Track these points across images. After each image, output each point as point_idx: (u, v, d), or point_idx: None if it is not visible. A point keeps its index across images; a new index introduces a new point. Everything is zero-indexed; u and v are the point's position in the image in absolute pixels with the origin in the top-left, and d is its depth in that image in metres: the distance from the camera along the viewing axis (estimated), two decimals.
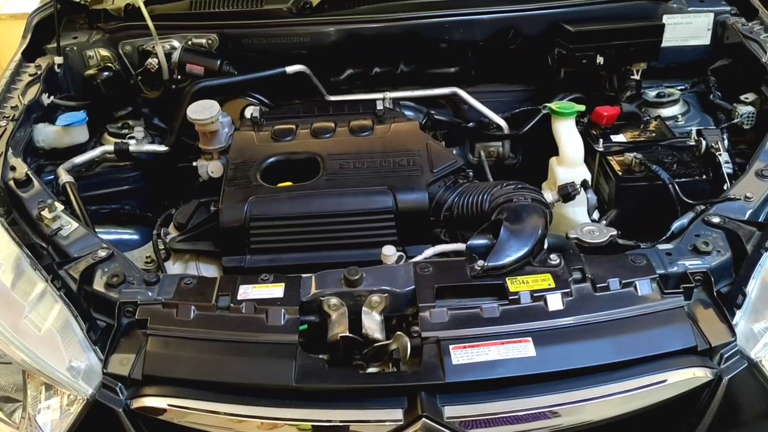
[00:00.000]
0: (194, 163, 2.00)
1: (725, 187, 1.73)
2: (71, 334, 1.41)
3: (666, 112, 2.09)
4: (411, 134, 1.86)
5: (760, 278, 1.42)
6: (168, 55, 2.11)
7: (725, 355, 1.34)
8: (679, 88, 2.22)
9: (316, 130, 1.89)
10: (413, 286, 1.43)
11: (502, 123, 2.19)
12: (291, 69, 2.11)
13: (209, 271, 1.71)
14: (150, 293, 1.46)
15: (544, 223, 1.51)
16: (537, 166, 2.21)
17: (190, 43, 2.15)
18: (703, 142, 1.83)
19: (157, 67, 2.09)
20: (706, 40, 2.20)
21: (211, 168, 1.99)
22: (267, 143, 1.86)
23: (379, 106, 1.97)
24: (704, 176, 1.72)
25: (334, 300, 1.42)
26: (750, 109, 1.95)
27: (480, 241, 1.51)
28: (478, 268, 1.44)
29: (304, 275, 1.48)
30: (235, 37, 2.15)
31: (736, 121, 1.94)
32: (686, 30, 2.18)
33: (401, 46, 2.18)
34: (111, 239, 1.82)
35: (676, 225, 1.61)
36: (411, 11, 2.13)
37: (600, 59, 2.07)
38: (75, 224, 1.62)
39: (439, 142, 1.90)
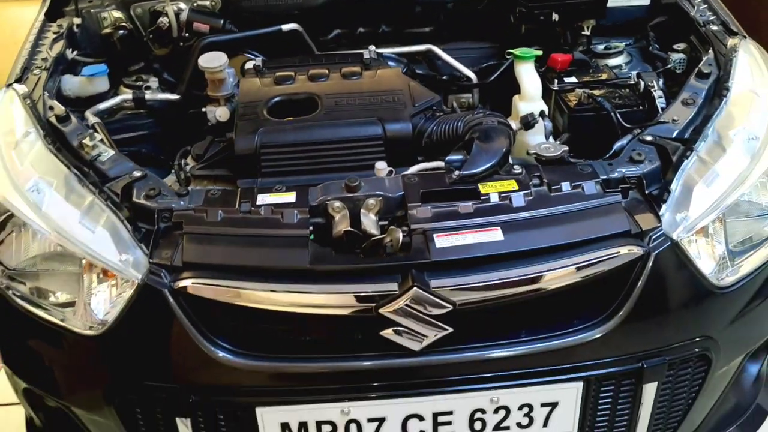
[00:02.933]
0: (203, 109, 2.28)
1: (657, 116, 2.07)
2: (119, 235, 1.69)
3: (612, 62, 2.42)
4: (395, 77, 2.16)
5: (682, 180, 1.75)
6: (176, 15, 2.38)
7: (653, 237, 1.67)
8: (624, 43, 2.55)
9: (312, 75, 2.18)
10: (402, 192, 1.74)
11: (472, 75, 2.49)
12: (286, 27, 2.40)
13: None
14: (182, 202, 1.74)
15: (509, 140, 1.83)
16: (501, 111, 2.54)
17: (195, 5, 2.43)
18: (642, 82, 2.17)
19: (167, 25, 2.37)
20: (646, 0, 2.54)
21: (218, 113, 2.25)
22: (270, 87, 2.14)
23: (366, 55, 2.27)
24: (641, 107, 2.05)
25: (337, 203, 1.71)
26: (681, 56, 2.29)
27: (456, 156, 1.82)
28: (455, 177, 1.75)
29: (311, 186, 1.78)
30: None
31: (669, 66, 2.28)
32: None
33: (382, 8, 2.48)
34: None
35: (617, 145, 1.93)
36: None
37: (555, 16, 2.39)
38: (111, 151, 1.89)
39: (417, 82, 2.20)
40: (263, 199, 1.74)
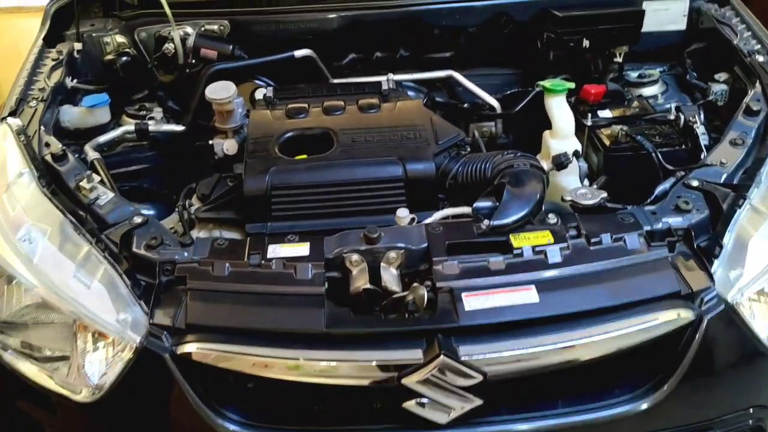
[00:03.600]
0: (210, 142, 2.14)
1: (702, 156, 1.91)
2: (117, 291, 1.55)
3: (647, 91, 2.26)
4: (415, 110, 2.01)
5: (735, 232, 1.59)
6: (183, 41, 2.24)
7: (705, 299, 1.51)
8: (658, 70, 2.40)
9: (327, 108, 2.03)
10: (426, 244, 1.59)
11: (495, 103, 2.35)
12: (298, 53, 2.25)
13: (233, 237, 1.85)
14: (186, 254, 1.60)
15: (542, 186, 1.68)
16: (527, 144, 2.39)
17: (203, 29, 2.28)
18: (682, 117, 2.01)
19: (173, 51, 2.22)
20: (682, 25, 2.38)
21: (226, 146, 2.12)
22: (282, 120, 2.00)
23: (384, 86, 2.12)
24: (683, 146, 1.90)
25: (355, 256, 1.57)
26: (723, 87, 2.13)
27: (485, 204, 1.67)
28: (484, 227, 1.60)
29: (326, 236, 1.63)
30: (246, 23, 2.29)
31: (710, 98, 2.12)
32: (664, 16, 2.36)
33: (400, 32, 2.33)
34: None
35: (659, 189, 1.78)
36: None
37: (586, 42, 2.23)
38: (111, 194, 1.75)
39: (440, 117, 2.05)
40: (274, 250, 1.59)
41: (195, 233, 1.87)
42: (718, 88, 2.13)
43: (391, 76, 2.22)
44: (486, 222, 1.61)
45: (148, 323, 1.50)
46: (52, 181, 1.78)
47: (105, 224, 1.69)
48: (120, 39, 2.32)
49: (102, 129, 2.16)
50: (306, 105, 2.05)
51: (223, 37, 2.29)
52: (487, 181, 1.77)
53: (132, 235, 1.65)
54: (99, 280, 1.56)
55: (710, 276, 1.53)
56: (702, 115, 2.04)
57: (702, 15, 2.34)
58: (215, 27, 2.30)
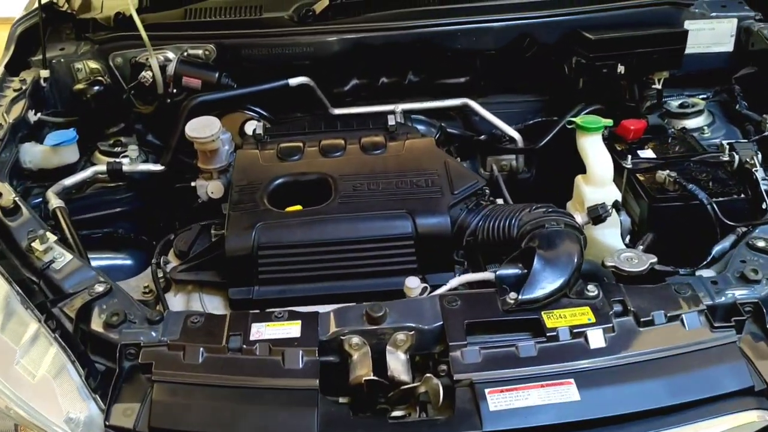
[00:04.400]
0: (193, 183, 1.87)
1: (764, 207, 1.63)
2: (68, 381, 1.28)
3: (691, 123, 1.99)
4: (427, 152, 1.75)
5: None
6: (163, 68, 1.98)
7: None
8: (701, 97, 2.12)
9: (324, 148, 1.77)
10: (441, 322, 1.32)
11: (516, 135, 2.08)
12: (294, 81, 1.99)
13: (214, 303, 1.58)
14: (154, 333, 1.34)
15: (580, 250, 1.40)
16: (551, 180, 2.11)
17: (185, 54, 2.02)
18: (736, 157, 1.73)
19: (151, 80, 1.96)
20: (729, 46, 2.11)
21: (210, 188, 1.86)
22: (273, 163, 1.74)
23: (391, 121, 1.85)
24: (742, 195, 1.62)
25: (355, 339, 1.30)
26: None
27: (510, 271, 1.40)
28: (511, 302, 1.33)
29: (321, 311, 1.37)
30: (234, 47, 2.02)
31: (767, 134, 1.84)
32: (709, 36, 2.09)
33: (410, 56, 2.06)
34: (103, 265, 1.70)
35: (716, 249, 1.51)
36: (421, 18, 2.01)
37: (621, 68, 1.96)
38: (69, 256, 1.49)
39: (455, 159, 1.78)
40: (259, 331, 1.33)
41: (171, 296, 1.61)
42: None
43: (399, 107, 1.95)
44: (513, 295, 1.34)
45: (103, 425, 1.23)
46: (1, 239, 1.52)
47: (60, 293, 1.43)
48: (93, 65, 2.06)
49: (69, 169, 1.90)
50: (301, 144, 1.79)
51: (208, 63, 2.03)
52: (512, 241, 1.50)
53: (91, 308, 1.39)
54: (47, 369, 1.29)
55: None
56: (759, 155, 1.76)
57: (752, 36, 2.06)
58: (200, 51, 2.03)
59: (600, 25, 1.99)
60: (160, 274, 1.64)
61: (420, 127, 1.98)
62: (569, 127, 1.80)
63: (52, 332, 1.33)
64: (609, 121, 1.71)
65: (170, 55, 2.02)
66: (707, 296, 1.34)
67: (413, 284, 1.42)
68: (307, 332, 1.32)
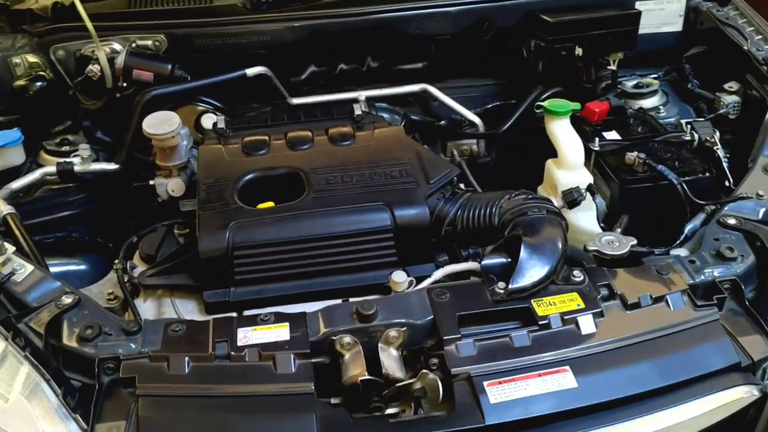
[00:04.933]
0: (151, 182, 1.79)
1: (726, 184, 1.68)
2: (44, 402, 1.20)
3: (647, 103, 2.03)
4: (397, 141, 1.71)
5: None
6: (110, 61, 1.87)
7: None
8: (652, 76, 2.16)
9: (292, 140, 1.71)
10: (431, 316, 1.30)
11: (477, 120, 2.07)
12: (251, 71, 1.91)
13: (187, 307, 1.52)
14: (132, 345, 1.27)
15: (564, 236, 1.40)
16: (511, 164, 2.12)
17: (134, 45, 1.91)
18: (696, 136, 1.78)
19: (99, 74, 1.85)
20: (678, 26, 2.15)
21: (171, 186, 1.78)
22: (239, 158, 1.67)
23: (357, 110, 1.80)
24: (707, 173, 1.66)
25: (347, 338, 1.27)
26: (735, 98, 1.91)
27: (495, 261, 1.39)
28: (501, 291, 1.33)
29: (308, 311, 1.33)
30: (186, 37, 1.93)
31: (722, 111, 1.90)
32: (659, 16, 2.13)
33: (368, 42, 2.02)
34: (57, 272, 1.61)
35: (688, 228, 1.54)
36: (378, 4, 1.97)
37: (579, 50, 1.97)
38: (30, 267, 1.40)
39: (425, 147, 1.76)
40: (246, 336, 1.28)
41: (140, 302, 1.54)
42: (730, 99, 1.91)
43: (362, 95, 1.91)
44: (501, 285, 1.33)
45: None
46: None
47: (24, 307, 1.34)
48: (32, 59, 1.92)
49: (14, 172, 1.78)
50: (266, 137, 1.72)
51: (159, 55, 1.93)
52: (493, 229, 1.49)
53: (61, 320, 1.31)
54: (20, 390, 1.20)
55: None
56: (717, 133, 1.80)
57: (701, 15, 2.11)
58: (149, 42, 1.93)
59: (556, 8, 1.99)
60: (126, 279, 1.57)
61: (384, 115, 1.95)
62: (537, 111, 1.80)
63: (21, 350, 1.24)
64: (577, 105, 1.72)
65: (117, 46, 1.91)
66: (688, 276, 1.37)
67: (400, 278, 1.39)
68: (296, 334, 1.28)
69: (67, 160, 1.79)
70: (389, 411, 1.27)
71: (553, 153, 1.74)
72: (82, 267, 1.86)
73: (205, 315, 1.50)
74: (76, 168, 1.78)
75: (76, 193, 1.84)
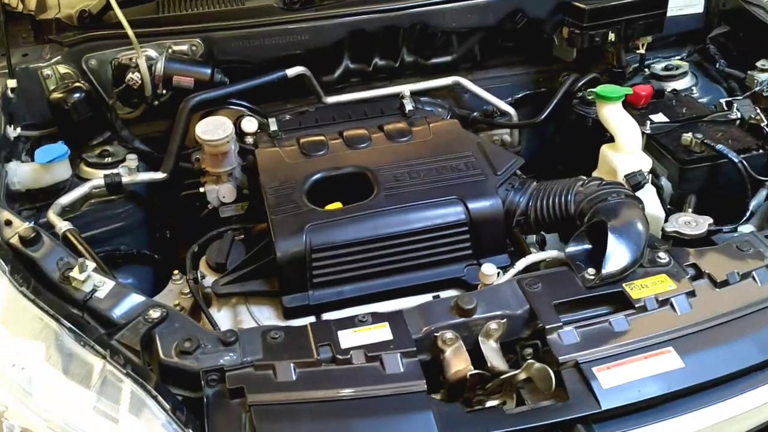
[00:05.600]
0: (201, 189, 1.76)
1: None
2: (152, 419, 1.17)
3: (679, 85, 2.06)
4: (455, 134, 1.72)
5: None
6: (149, 68, 1.82)
7: None
8: (676, 58, 2.20)
9: (349, 139, 1.70)
10: (527, 306, 1.31)
11: (511, 110, 2.08)
12: (292, 72, 1.89)
13: (265, 314, 1.50)
14: (233, 355, 1.24)
15: (645, 219, 1.42)
16: (544, 153, 2.14)
17: (171, 51, 1.87)
18: (738, 114, 1.81)
19: (139, 82, 1.81)
20: (699, 7, 2.19)
21: (222, 192, 1.76)
22: (299, 160, 1.65)
23: (408, 105, 1.80)
24: (762, 150, 1.69)
25: (449, 334, 1.27)
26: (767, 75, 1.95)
27: (580, 247, 1.41)
28: (592, 277, 1.34)
29: (404, 309, 1.32)
30: (223, 40, 1.89)
31: (757, 89, 1.94)
32: None
33: (404, 37, 2.01)
34: None
35: (753, 204, 1.57)
36: None
37: (612, 36, 2.00)
38: (110, 282, 1.36)
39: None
40: (347, 339, 1.26)
41: (215, 312, 1.52)
42: (765, 77, 1.95)
43: (406, 90, 1.90)
44: (591, 271, 1.34)
45: None
46: (27, 273, 1.36)
47: (110, 324, 1.31)
48: (63, 69, 1.87)
49: (58, 187, 1.73)
50: (323, 137, 1.71)
51: (196, 60, 1.89)
52: (569, 217, 1.50)
53: (153, 336, 1.28)
54: (128, 408, 1.17)
55: None
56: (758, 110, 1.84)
57: None
58: (185, 47, 1.89)
59: None
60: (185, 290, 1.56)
61: (428, 109, 1.94)
62: (590, 98, 1.82)
63: (122, 367, 1.21)
64: (628, 89, 1.74)
65: (152, 53, 1.87)
66: (765, 249, 1.40)
67: (490, 271, 1.39)
68: (398, 333, 1.27)
69: (114, 171, 1.75)
70: (490, 404, 1.27)
71: (587, 139, 1.76)
72: (129, 280, 1.82)
73: (282, 320, 1.48)
74: (124, 179, 1.74)
75: (122, 204, 1.80)
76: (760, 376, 1.25)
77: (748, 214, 1.56)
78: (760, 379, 1.25)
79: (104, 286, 1.35)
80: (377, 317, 1.30)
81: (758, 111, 1.81)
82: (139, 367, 1.22)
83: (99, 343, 1.24)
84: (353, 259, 1.47)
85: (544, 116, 2.03)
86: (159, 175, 1.77)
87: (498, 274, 1.42)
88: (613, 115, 1.69)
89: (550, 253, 1.46)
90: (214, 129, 1.66)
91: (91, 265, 1.35)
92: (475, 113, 2.13)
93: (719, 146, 1.64)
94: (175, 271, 1.65)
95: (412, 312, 1.31)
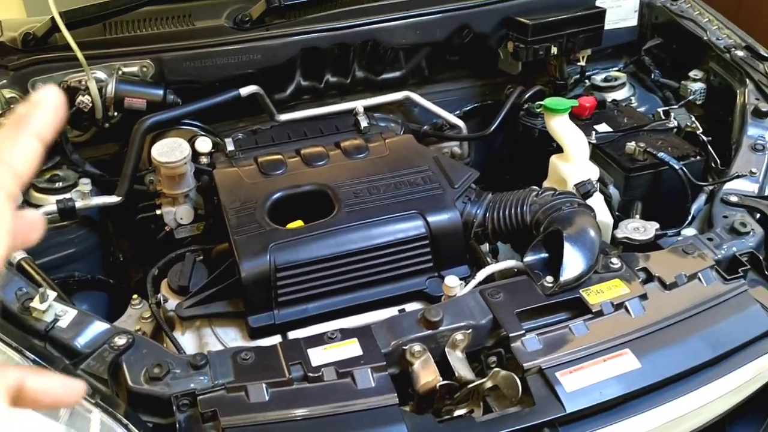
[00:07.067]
0: (158, 211, 1.75)
1: (713, 165, 1.82)
2: None
3: (618, 95, 2.15)
4: (412, 149, 1.75)
5: None
6: (99, 90, 1.80)
7: None
8: (614, 69, 2.29)
9: (307, 157, 1.71)
10: (491, 316, 1.35)
11: (460, 123, 2.13)
12: (245, 91, 1.89)
13: (230, 335, 1.50)
14: (204, 378, 1.25)
15: (598, 226, 1.49)
16: (493, 163, 2.20)
17: (121, 72, 1.85)
18: (675, 122, 1.91)
19: (90, 105, 1.78)
20: (633, 21, 2.29)
21: (180, 214, 1.75)
22: (258, 179, 1.66)
23: (363, 122, 1.83)
24: (698, 156, 1.79)
25: (417, 346, 1.30)
26: (701, 85, 2.05)
27: (537, 256, 1.46)
28: (551, 285, 1.39)
29: (373, 324, 1.35)
30: (175, 61, 1.88)
31: (691, 98, 2.04)
32: (617, 13, 2.25)
33: (354, 54, 2.04)
34: None
35: (694, 208, 1.66)
36: (365, 16, 1.99)
37: (554, 49, 2.07)
38: (72, 311, 1.34)
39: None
40: (318, 356, 1.28)
41: (179, 335, 1.51)
42: (696, 86, 2.05)
43: (360, 106, 1.93)
44: (549, 279, 1.40)
45: None
46: None
47: (75, 354, 1.29)
48: (9, 94, 1.82)
49: None
50: (281, 156, 1.72)
51: (147, 81, 1.88)
52: (526, 227, 1.55)
53: (119, 363, 1.27)
54: None
55: None
56: (693, 118, 1.94)
57: (654, 10, 2.26)
58: (135, 68, 1.87)
59: (530, 11, 2.08)
60: (146, 314, 1.55)
61: (381, 124, 1.97)
62: (536, 110, 1.88)
63: (90, 397, 1.20)
64: (575, 101, 1.81)
65: (101, 75, 1.84)
66: (711, 253, 1.48)
67: (453, 283, 1.43)
68: (367, 348, 1.29)
69: (66, 196, 1.72)
70: (459, 413, 1.31)
71: (534, 150, 1.83)
72: (84, 306, 1.78)
73: (248, 340, 1.49)
74: (78, 204, 1.71)
75: (75, 230, 1.76)
76: (711, 372, 1.32)
77: (690, 218, 1.64)
78: (711, 375, 1.32)
79: (66, 315, 1.33)
80: (346, 333, 1.32)
81: (693, 119, 1.91)
82: (107, 396, 1.21)
83: (64, 373, 1.22)
84: (318, 276, 1.49)
85: (493, 128, 2.08)
86: (114, 199, 1.75)
87: (460, 285, 1.46)
88: (561, 127, 1.75)
89: (509, 263, 1.51)
90: (170, 151, 1.65)
91: (51, 294, 1.33)
92: (425, 127, 2.17)
93: (661, 154, 1.72)
94: (134, 296, 1.63)
95: (380, 326, 1.34)
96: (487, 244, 1.70)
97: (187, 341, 1.50)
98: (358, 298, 1.52)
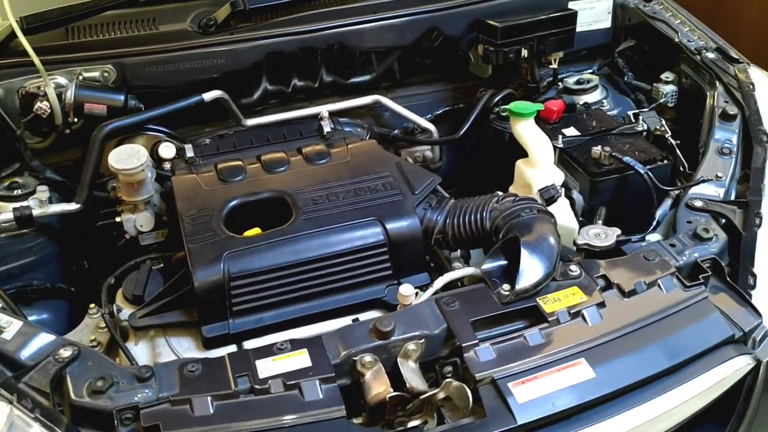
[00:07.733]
0: (118, 218, 1.72)
1: (681, 169, 1.79)
2: None
3: (590, 98, 2.13)
4: (374, 155, 1.73)
5: (764, 256, 1.47)
6: (58, 96, 1.78)
7: (757, 338, 1.38)
8: (588, 72, 2.27)
9: (267, 163, 1.69)
10: (445, 325, 1.33)
11: (431, 127, 2.11)
12: (209, 96, 1.87)
13: (184, 345, 1.47)
14: (148, 391, 1.22)
15: (557, 233, 1.46)
16: (464, 167, 2.18)
17: (81, 78, 1.83)
18: (645, 126, 1.88)
19: (48, 111, 1.76)
20: (607, 23, 2.27)
21: (139, 221, 1.72)
22: (216, 186, 1.63)
23: (326, 127, 1.81)
24: (665, 160, 1.76)
25: (368, 357, 1.28)
26: (672, 87, 2.03)
27: (495, 264, 1.43)
28: (507, 293, 1.37)
29: (323, 334, 1.32)
30: (137, 66, 1.86)
31: (662, 101, 2.02)
32: (590, 15, 2.23)
33: (321, 58, 2.02)
34: None
35: (659, 213, 1.63)
36: (332, 20, 1.97)
37: (525, 52, 2.05)
38: (18, 322, 1.32)
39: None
40: (266, 367, 1.26)
41: (132, 346, 1.48)
42: (668, 88, 2.03)
43: (325, 111, 1.90)
44: (506, 287, 1.37)
45: None
46: None
47: (17, 366, 1.26)
48: None
49: None
50: (241, 162, 1.69)
51: (108, 86, 1.85)
52: (485, 234, 1.53)
53: (64, 376, 1.24)
54: None
55: (755, 310, 1.39)
56: (663, 121, 1.92)
57: (627, 11, 2.23)
58: (96, 74, 1.84)
59: (500, 13, 2.06)
60: (102, 324, 1.52)
61: (347, 129, 1.95)
62: (503, 114, 1.86)
63: (30, 412, 1.18)
64: (540, 105, 1.79)
65: (62, 80, 1.82)
66: (672, 259, 1.45)
67: (407, 291, 1.41)
68: (317, 359, 1.27)
69: (24, 204, 1.69)
70: (411, 424, 1.29)
71: (504, 154, 1.80)
72: (44, 316, 1.77)
73: (203, 351, 1.46)
74: (35, 212, 1.68)
75: (33, 237, 1.74)
76: (668, 381, 1.30)
77: (654, 223, 1.62)
78: (668, 384, 1.29)
79: (11, 326, 1.31)
80: (296, 344, 1.30)
81: (663, 122, 1.89)
82: (48, 411, 1.19)
83: (5, 387, 1.21)
84: (273, 285, 1.46)
85: (463, 132, 2.06)
86: (72, 206, 1.72)
87: (416, 293, 1.43)
88: (526, 131, 1.73)
89: (467, 271, 1.49)
90: (127, 157, 1.63)
91: None
92: (396, 131, 2.15)
93: (626, 158, 1.70)
94: (92, 305, 1.60)
95: (331, 337, 1.31)
96: (459, 250, 1.67)
97: (141, 352, 1.47)
98: (316, 307, 1.49)
